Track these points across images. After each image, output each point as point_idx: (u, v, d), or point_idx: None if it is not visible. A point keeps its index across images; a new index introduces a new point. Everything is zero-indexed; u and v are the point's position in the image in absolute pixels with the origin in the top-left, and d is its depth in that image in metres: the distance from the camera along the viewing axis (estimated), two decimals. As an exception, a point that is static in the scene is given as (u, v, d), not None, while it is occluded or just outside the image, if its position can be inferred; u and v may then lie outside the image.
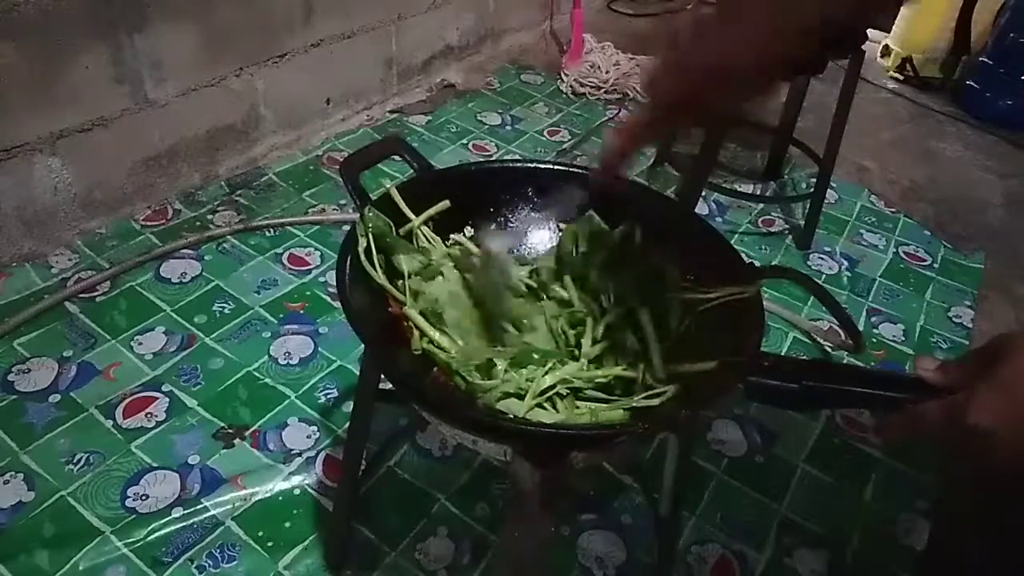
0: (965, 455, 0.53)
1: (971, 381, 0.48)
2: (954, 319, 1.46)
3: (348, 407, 1.11)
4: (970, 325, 1.45)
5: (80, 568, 0.88)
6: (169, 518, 0.94)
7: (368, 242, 0.65)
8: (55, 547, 0.89)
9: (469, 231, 0.77)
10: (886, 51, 2.50)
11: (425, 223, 0.74)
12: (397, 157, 0.78)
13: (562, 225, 0.78)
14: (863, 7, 0.58)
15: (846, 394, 0.54)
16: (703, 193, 1.61)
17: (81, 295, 1.25)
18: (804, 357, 1.32)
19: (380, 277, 0.65)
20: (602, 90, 2.12)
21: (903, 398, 0.53)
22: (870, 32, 1.40)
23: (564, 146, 1.87)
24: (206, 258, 1.36)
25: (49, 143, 1.26)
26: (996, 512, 0.67)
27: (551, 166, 0.79)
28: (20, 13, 1.14)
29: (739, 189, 1.71)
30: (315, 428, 1.08)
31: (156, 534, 0.92)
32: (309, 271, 1.37)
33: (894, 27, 2.47)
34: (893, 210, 1.78)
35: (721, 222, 1.66)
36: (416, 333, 0.66)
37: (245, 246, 1.40)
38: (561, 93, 2.13)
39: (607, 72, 2.14)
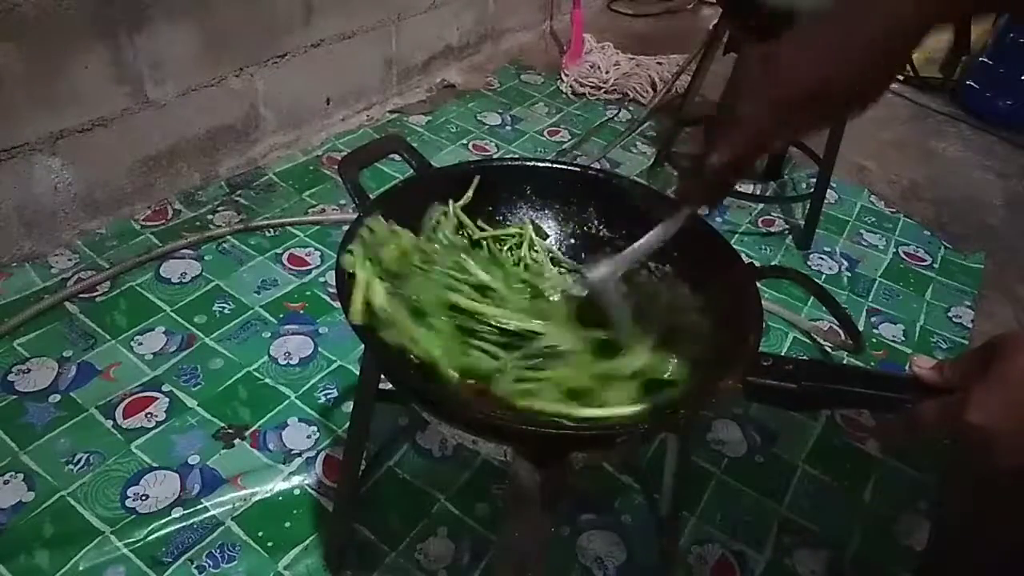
0: (964, 454, 0.53)
1: (968, 380, 0.48)
2: (954, 319, 1.46)
3: (348, 407, 1.11)
4: (970, 325, 1.45)
5: (80, 568, 0.88)
6: (169, 518, 0.94)
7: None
8: (55, 547, 0.89)
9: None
10: (886, 51, 2.50)
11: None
12: (396, 156, 0.78)
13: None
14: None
15: (845, 394, 0.54)
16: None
17: (81, 295, 1.25)
18: (804, 357, 1.32)
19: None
20: (602, 90, 2.12)
21: (901, 398, 0.53)
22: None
23: (564, 146, 1.87)
24: (206, 258, 1.36)
25: (49, 143, 1.26)
26: (996, 513, 0.67)
27: (550, 165, 0.79)
28: (20, 13, 1.14)
29: (739, 189, 1.70)
30: (315, 428, 1.08)
31: (156, 534, 0.92)
32: (309, 271, 1.37)
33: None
34: (893, 210, 1.78)
35: (721, 222, 1.66)
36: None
37: (245, 246, 1.40)
38: (561, 93, 2.13)
39: (607, 72, 2.14)
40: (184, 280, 1.31)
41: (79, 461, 1.00)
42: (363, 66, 1.82)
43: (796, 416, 1.19)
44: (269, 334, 1.23)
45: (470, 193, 0.75)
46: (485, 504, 1.01)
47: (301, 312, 1.28)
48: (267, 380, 1.15)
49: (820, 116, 0.57)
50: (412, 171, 0.77)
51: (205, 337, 1.20)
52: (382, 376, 0.76)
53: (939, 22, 0.53)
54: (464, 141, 1.83)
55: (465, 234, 0.75)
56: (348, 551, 0.94)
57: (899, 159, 2.01)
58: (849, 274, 1.55)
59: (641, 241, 0.64)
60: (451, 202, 0.74)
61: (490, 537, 0.97)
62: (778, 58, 0.54)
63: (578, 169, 0.80)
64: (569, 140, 1.90)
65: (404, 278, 0.63)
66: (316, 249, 1.42)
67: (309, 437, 1.07)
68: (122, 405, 1.08)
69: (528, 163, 0.80)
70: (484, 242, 0.76)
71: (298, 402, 1.12)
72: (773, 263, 1.55)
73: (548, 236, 0.80)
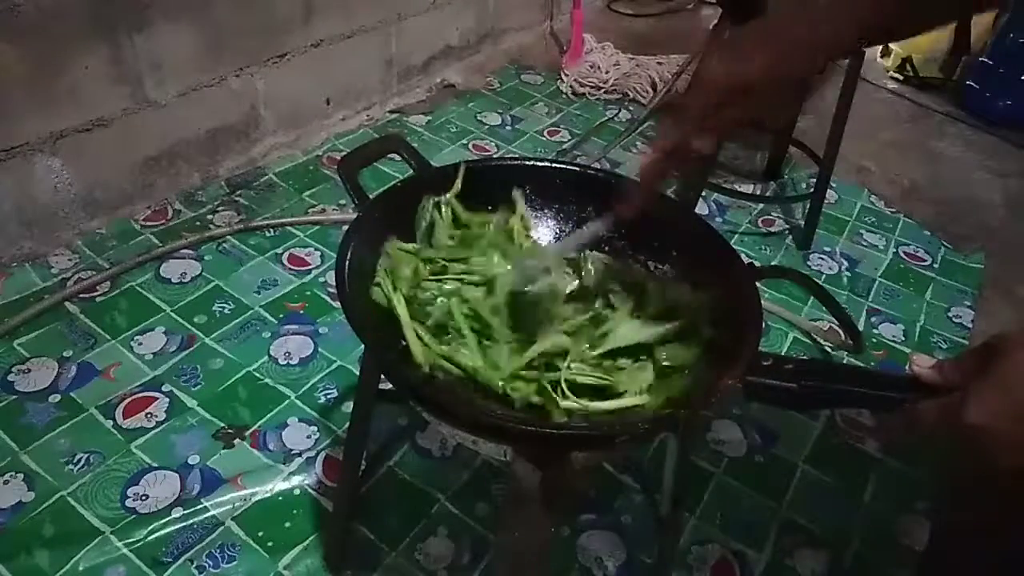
0: (963, 454, 0.53)
1: (967, 380, 0.48)
2: (954, 319, 1.46)
3: (348, 407, 1.11)
4: (970, 325, 1.45)
5: (80, 568, 0.88)
6: (169, 518, 0.94)
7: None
8: (55, 547, 0.89)
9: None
10: (886, 51, 2.50)
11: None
12: (396, 156, 0.78)
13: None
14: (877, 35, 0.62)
15: (845, 394, 0.54)
16: (703, 193, 1.61)
17: (81, 295, 1.25)
18: (804, 357, 1.32)
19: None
20: (602, 90, 2.12)
21: (901, 398, 0.53)
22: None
23: (564, 146, 1.87)
24: (206, 258, 1.36)
25: (49, 143, 1.26)
26: (996, 513, 0.67)
27: (549, 164, 0.79)
28: (20, 13, 1.14)
29: (739, 189, 1.70)
30: (315, 428, 1.08)
31: (156, 534, 0.92)
32: (309, 271, 1.37)
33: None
34: (893, 210, 1.78)
35: (721, 222, 1.66)
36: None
37: (245, 246, 1.40)
38: (561, 93, 2.13)
39: (607, 72, 2.14)
40: (184, 280, 1.31)
41: (79, 461, 1.00)
42: (363, 66, 1.82)
43: (796, 416, 1.19)
44: (269, 334, 1.22)
45: (459, 183, 0.76)
46: (485, 504, 1.01)
47: (301, 312, 1.28)
48: (267, 380, 1.15)
49: (751, 104, 0.62)
50: (412, 171, 0.77)
51: (205, 337, 1.20)
52: (382, 376, 0.76)
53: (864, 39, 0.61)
54: (464, 141, 1.83)
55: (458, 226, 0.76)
56: (348, 551, 0.94)
57: (899, 159, 2.01)
58: (849, 274, 1.55)
59: (586, 228, 0.69)
60: (444, 195, 0.75)
61: (490, 537, 0.97)
62: (719, 52, 0.61)
63: (578, 169, 0.80)
64: (569, 140, 1.90)
65: (424, 300, 0.66)
66: (316, 249, 1.42)
67: (309, 437, 1.07)
68: (122, 405, 1.08)
69: (528, 163, 0.80)
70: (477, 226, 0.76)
71: (298, 402, 1.12)
72: (773, 263, 1.55)
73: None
